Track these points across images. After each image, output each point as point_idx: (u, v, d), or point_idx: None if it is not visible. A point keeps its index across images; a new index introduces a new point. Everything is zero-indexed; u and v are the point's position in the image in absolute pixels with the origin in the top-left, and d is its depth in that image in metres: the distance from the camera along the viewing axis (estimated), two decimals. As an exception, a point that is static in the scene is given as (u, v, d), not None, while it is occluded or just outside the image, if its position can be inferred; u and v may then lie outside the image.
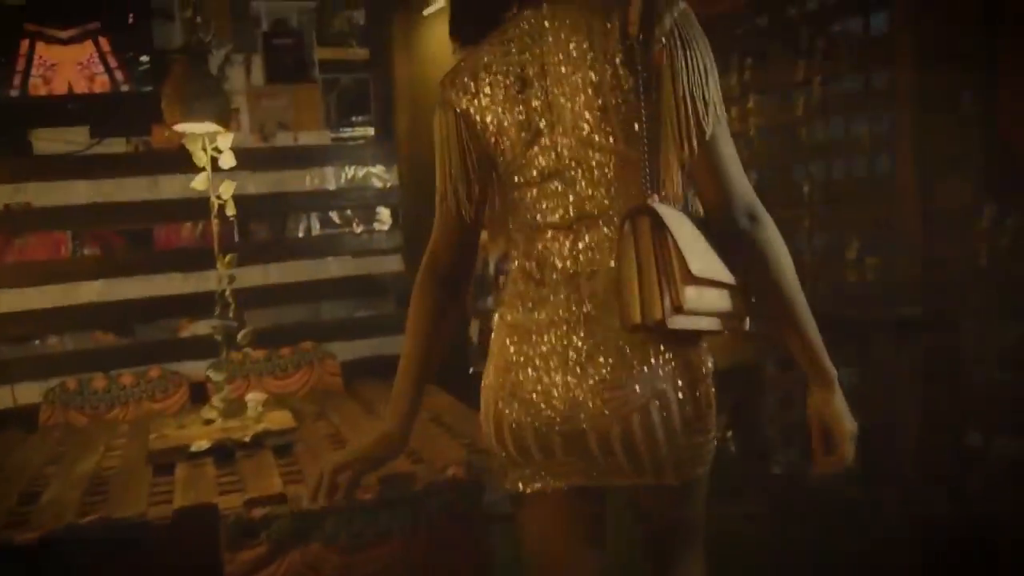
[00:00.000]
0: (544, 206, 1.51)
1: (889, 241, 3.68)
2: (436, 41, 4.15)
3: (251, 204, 4.07)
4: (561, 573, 1.60)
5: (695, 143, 1.40)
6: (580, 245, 1.49)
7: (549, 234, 1.51)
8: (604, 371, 1.46)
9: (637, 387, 1.45)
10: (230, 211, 2.56)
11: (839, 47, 3.81)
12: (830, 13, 3.89)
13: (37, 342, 3.99)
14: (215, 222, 2.57)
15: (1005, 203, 3.17)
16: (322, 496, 1.55)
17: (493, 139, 1.53)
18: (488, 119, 1.52)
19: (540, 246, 1.52)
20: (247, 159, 4.06)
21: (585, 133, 1.45)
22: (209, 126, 2.46)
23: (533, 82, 1.48)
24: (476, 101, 1.52)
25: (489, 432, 1.57)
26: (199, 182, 2.53)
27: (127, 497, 2.13)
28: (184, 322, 4.06)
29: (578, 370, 1.47)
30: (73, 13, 3.71)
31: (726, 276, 1.43)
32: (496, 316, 1.61)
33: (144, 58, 3.78)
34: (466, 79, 1.54)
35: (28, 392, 3.54)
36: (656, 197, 1.41)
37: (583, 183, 1.47)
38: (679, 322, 1.35)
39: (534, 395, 1.49)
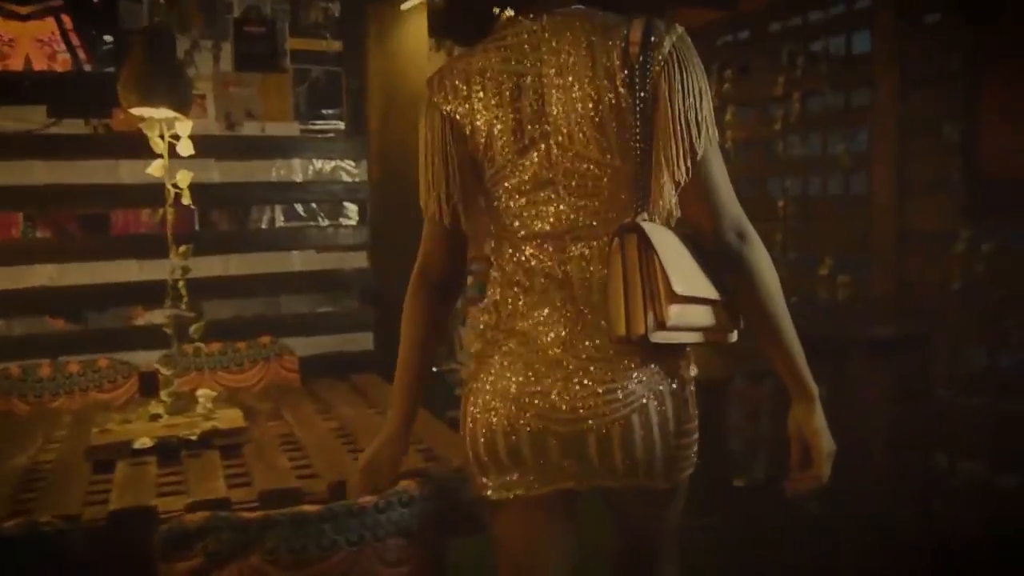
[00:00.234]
0: (532, 214, 1.52)
1: (862, 261, 3.66)
2: (412, 36, 4.07)
3: (214, 193, 4.00)
4: None
5: (687, 164, 1.44)
6: (569, 254, 1.51)
7: (536, 242, 1.53)
8: (601, 374, 1.49)
9: (633, 389, 1.49)
10: (186, 200, 2.45)
11: (820, 64, 3.78)
12: (812, 30, 3.87)
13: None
14: (170, 211, 2.47)
15: (981, 229, 3.15)
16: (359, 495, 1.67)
17: (482, 144, 1.52)
18: (478, 124, 1.52)
19: (528, 252, 1.54)
20: (212, 147, 3.97)
21: (580, 145, 1.47)
22: (167, 112, 2.36)
23: (530, 91, 1.49)
24: (467, 105, 1.52)
25: (476, 437, 1.56)
26: (155, 169, 2.43)
27: (62, 495, 2.02)
28: (138, 311, 3.94)
29: (576, 373, 1.49)
30: (35, -12, 3.60)
31: (710, 292, 1.48)
32: (480, 322, 1.61)
33: (108, 38, 3.65)
34: (457, 82, 1.53)
35: (-30, 377, 3.41)
36: (645, 215, 1.46)
37: (574, 194, 1.50)
38: (662, 337, 1.41)
39: (531, 398, 1.51)
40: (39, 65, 3.60)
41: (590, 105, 1.46)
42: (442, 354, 4.93)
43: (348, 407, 2.78)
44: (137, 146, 2.64)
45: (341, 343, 4.00)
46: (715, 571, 3.24)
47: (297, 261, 4.15)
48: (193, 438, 2.31)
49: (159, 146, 2.41)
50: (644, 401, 1.50)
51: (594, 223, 1.50)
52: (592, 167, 1.48)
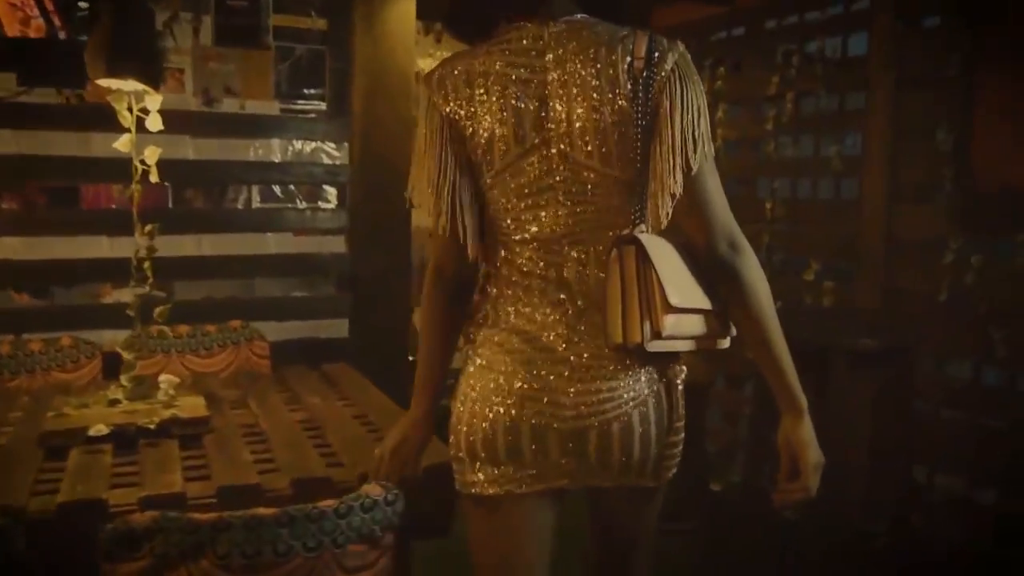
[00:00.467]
0: (530, 217, 1.55)
1: (849, 267, 3.60)
2: (400, 18, 3.97)
3: (189, 170, 3.89)
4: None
5: (683, 178, 1.48)
6: (565, 257, 1.55)
7: (533, 245, 1.55)
8: (604, 372, 1.52)
9: (633, 387, 1.53)
10: (154, 178, 2.35)
11: (815, 64, 3.71)
12: (809, 29, 3.79)
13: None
14: (137, 188, 2.36)
15: (972, 240, 3.09)
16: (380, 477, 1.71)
17: (482, 147, 1.54)
18: (479, 126, 1.53)
19: (524, 255, 1.56)
20: (188, 123, 3.86)
21: (580, 154, 1.50)
22: (135, 85, 2.25)
23: (533, 97, 1.51)
24: (469, 107, 1.53)
25: (474, 431, 1.56)
26: (122, 144, 2.32)
27: (9, 483, 1.93)
28: (107, 288, 3.83)
29: (580, 371, 1.53)
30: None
31: (704, 303, 1.53)
32: (476, 319, 1.64)
33: (83, 4, 3.54)
34: (458, 83, 1.55)
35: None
36: (643, 227, 1.50)
37: (572, 200, 1.53)
38: (657, 346, 1.47)
39: (535, 395, 1.53)
40: (11, 31, 3.49)
41: (593, 115, 1.49)
42: (416, 344, 4.84)
43: (317, 398, 2.69)
44: (111, 119, 2.54)
45: (315, 329, 3.90)
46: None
47: (272, 243, 4.05)
48: (151, 427, 2.22)
49: (127, 120, 2.31)
50: (644, 399, 1.54)
51: (590, 229, 1.54)
52: (591, 175, 1.51)
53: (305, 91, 4.19)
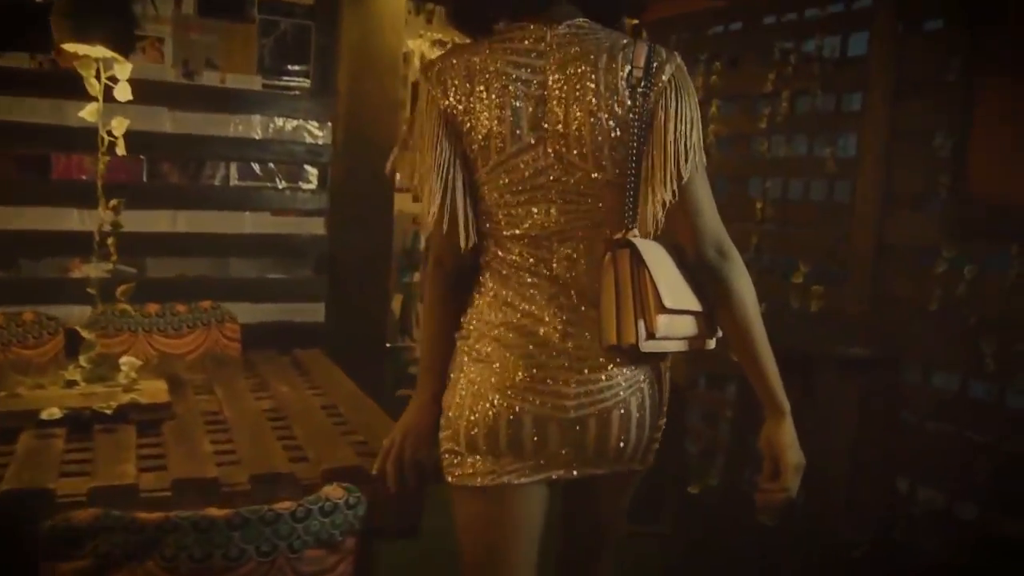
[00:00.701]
0: (522, 214, 1.58)
1: (839, 272, 3.53)
2: (390, -4, 3.87)
3: (166, 144, 3.78)
4: (502, 568, 1.67)
5: (674, 186, 1.53)
6: (556, 253, 1.59)
7: (524, 241, 1.59)
8: (602, 362, 1.57)
9: (630, 375, 1.59)
10: (120, 150, 2.24)
11: (813, 63, 3.63)
12: (808, 27, 3.70)
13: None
14: (103, 160, 2.25)
15: (965, 250, 3.02)
16: (390, 467, 1.72)
17: (479, 142, 1.57)
18: (477, 121, 1.56)
19: (515, 251, 1.61)
20: (166, 94, 3.75)
21: (575, 156, 1.54)
22: (103, 51, 2.14)
23: (532, 97, 1.55)
24: (467, 101, 1.56)
25: (474, 423, 1.59)
26: (88, 112, 2.22)
27: (-48, 467, 1.83)
28: (76, 263, 3.71)
29: (579, 362, 1.57)
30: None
31: (695, 305, 1.59)
32: (469, 312, 1.67)
33: (60, -35, 3.40)
34: (459, 78, 1.57)
35: None
36: (637, 231, 1.55)
37: (564, 200, 1.57)
38: (650, 346, 1.53)
39: (536, 386, 1.57)
40: (-20, -7, 3.35)
41: (590, 119, 1.53)
42: (396, 330, 4.77)
43: (286, 385, 2.60)
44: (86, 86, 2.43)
45: (290, 313, 3.81)
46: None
47: (249, 223, 3.96)
48: (108, 411, 2.12)
49: (94, 88, 2.20)
50: (640, 385, 1.61)
51: (582, 228, 1.58)
52: (584, 177, 1.55)
53: (289, 67, 4.07)
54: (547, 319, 1.58)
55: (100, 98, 2.19)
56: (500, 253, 1.63)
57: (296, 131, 4.11)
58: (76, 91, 3.13)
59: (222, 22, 3.81)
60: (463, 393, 1.62)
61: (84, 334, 2.33)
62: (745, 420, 3.22)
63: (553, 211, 1.57)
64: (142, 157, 3.66)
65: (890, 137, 3.28)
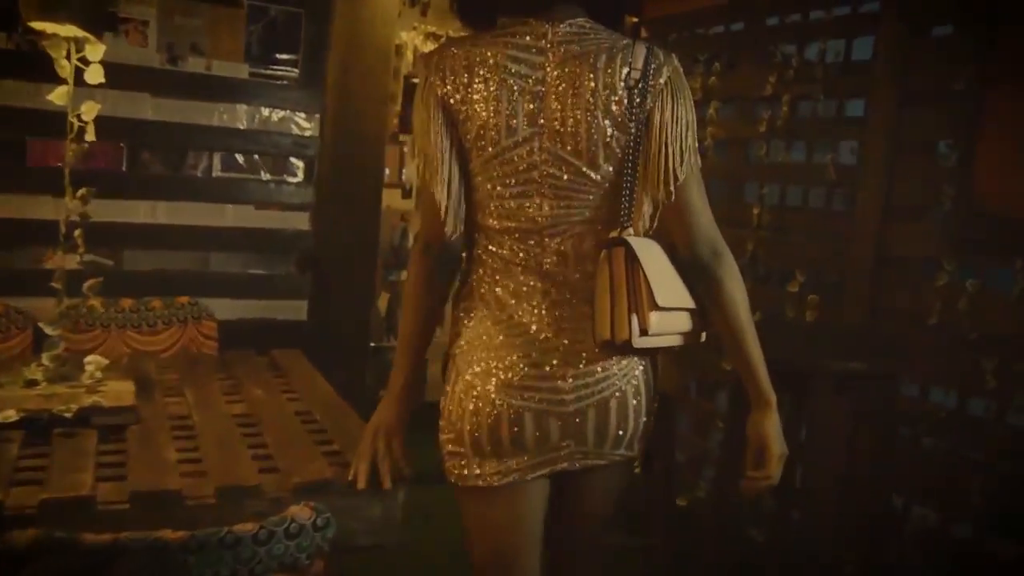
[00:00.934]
0: (514, 207, 1.61)
1: (836, 282, 3.43)
2: (383, -14, 3.76)
3: (147, 131, 3.69)
4: (511, 567, 1.72)
5: (669, 187, 1.57)
6: (546, 248, 1.62)
7: (516, 235, 1.62)
8: (598, 354, 1.62)
9: (624, 364, 1.65)
10: (90, 136, 2.13)
11: (815, 67, 3.53)
12: (811, 30, 3.60)
13: None
14: (71, 146, 2.14)
15: (967, 263, 2.93)
16: (362, 466, 1.76)
17: (474, 133, 1.59)
18: (473, 113, 1.58)
19: (507, 244, 1.63)
20: (149, 80, 3.65)
21: (569, 153, 1.58)
22: (74, 30, 2.03)
23: (530, 93, 1.57)
24: (466, 92, 1.58)
25: (478, 424, 1.62)
26: (57, 96, 2.10)
27: None
28: (49, 253, 3.59)
29: (575, 356, 1.62)
30: None
31: (688, 302, 1.62)
32: (460, 310, 1.71)
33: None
34: (458, 68, 1.59)
35: None
36: (631, 230, 1.59)
37: (557, 195, 1.60)
38: (644, 342, 1.56)
39: (533, 382, 1.61)
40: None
41: (587, 117, 1.56)
42: (381, 330, 4.66)
43: (261, 388, 2.50)
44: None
45: (271, 310, 3.72)
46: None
47: (232, 216, 3.86)
48: (68, 415, 2.01)
49: (64, 70, 2.09)
50: (634, 372, 1.66)
51: (573, 224, 1.62)
52: (576, 174, 1.59)
53: (277, 56, 3.95)
54: (539, 315, 1.63)
55: (71, 81, 2.08)
56: (491, 247, 1.65)
57: (283, 122, 3.99)
58: (55, 74, 3.03)
59: (209, 6, 3.69)
60: (462, 395, 1.64)
61: (47, 330, 2.21)
62: (735, 432, 3.13)
63: (545, 206, 1.60)
64: (122, 144, 3.54)
65: (893, 145, 3.19)
